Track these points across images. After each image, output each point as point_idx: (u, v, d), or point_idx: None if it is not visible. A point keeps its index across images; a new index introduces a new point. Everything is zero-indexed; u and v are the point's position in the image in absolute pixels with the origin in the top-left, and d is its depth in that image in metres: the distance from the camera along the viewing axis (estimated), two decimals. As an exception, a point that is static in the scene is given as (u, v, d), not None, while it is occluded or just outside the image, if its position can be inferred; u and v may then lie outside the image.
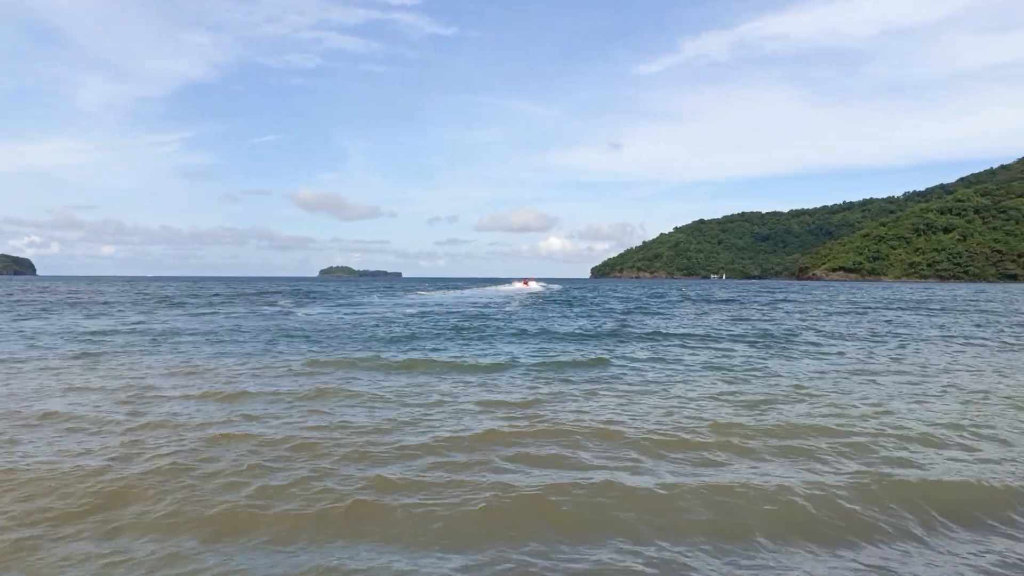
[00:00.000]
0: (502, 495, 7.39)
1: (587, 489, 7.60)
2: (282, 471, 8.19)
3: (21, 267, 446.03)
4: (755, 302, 61.45)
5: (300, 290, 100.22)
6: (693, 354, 20.64)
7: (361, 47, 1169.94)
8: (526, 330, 28.94)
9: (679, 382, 15.14)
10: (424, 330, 28.76)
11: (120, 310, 42.68)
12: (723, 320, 36.66)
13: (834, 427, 10.61)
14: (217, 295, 73.19)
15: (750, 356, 20.25)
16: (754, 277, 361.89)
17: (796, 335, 27.13)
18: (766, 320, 36.62)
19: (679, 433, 10.11)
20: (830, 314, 42.51)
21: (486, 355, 19.99)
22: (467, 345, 22.99)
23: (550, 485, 7.71)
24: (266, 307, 48.18)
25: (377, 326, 30.85)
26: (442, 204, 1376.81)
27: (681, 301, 63.07)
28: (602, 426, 10.49)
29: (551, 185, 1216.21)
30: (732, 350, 21.84)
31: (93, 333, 26.12)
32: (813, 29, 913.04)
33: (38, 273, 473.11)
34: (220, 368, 16.90)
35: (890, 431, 10.40)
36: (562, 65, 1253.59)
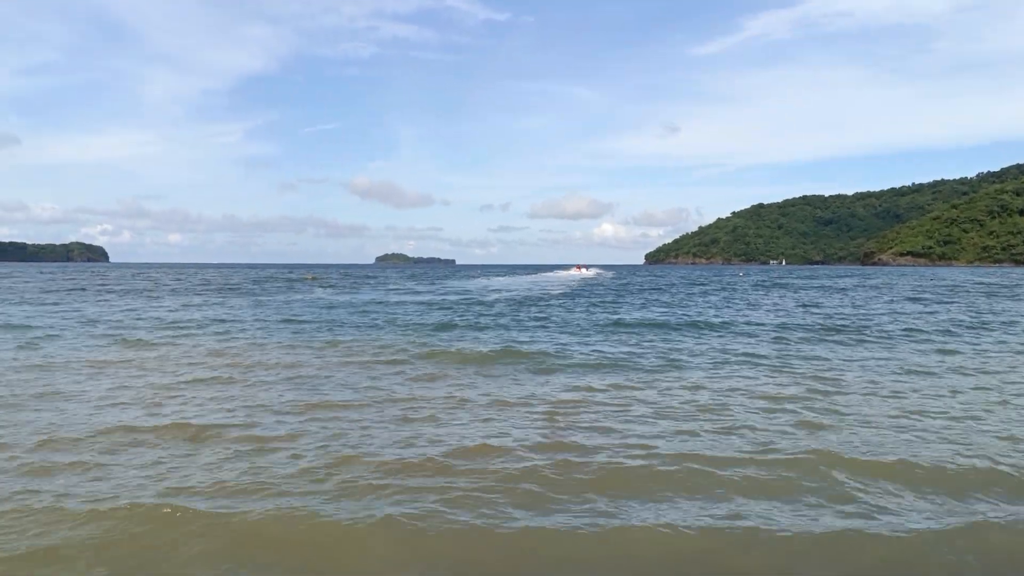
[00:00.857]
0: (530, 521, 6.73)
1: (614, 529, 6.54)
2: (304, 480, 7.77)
3: (95, 255, 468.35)
4: (820, 288, 58.83)
5: (355, 275, 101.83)
6: (755, 348, 19.55)
7: (415, 35, 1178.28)
8: (580, 319, 28.28)
9: (738, 386, 14.21)
10: (471, 318, 28.38)
11: (189, 295, 43.87)
12: (785, 308, 35.05)
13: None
14: (273, 280, 75.10)
15: (819, 351, 19.02)
16: (816, 263, 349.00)
17: (875, 326, 25.53)
18: (834, 309, 34.82)
19: (743, 445, 9.26)
20: (908, 300, 40.16)
21: (536, 344, 19.44)
22: (515, 333, 22.50)
23: (588, 521, 6.77)
24: (319, 291, 48.86)
25: (428, 312, 30.69)
26: (494, 191, 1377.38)
27: (736, 286, 61.09)
28: (635, 442, 9.04)
29: (605, 171, 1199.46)
30: (799, 342, 20.63)
31: (170, 322, 26.76)
32: (880, 5, 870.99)
33: (111, 260, 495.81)
34: (275, 358, 16.88)
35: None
36: (617, 49, 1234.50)
